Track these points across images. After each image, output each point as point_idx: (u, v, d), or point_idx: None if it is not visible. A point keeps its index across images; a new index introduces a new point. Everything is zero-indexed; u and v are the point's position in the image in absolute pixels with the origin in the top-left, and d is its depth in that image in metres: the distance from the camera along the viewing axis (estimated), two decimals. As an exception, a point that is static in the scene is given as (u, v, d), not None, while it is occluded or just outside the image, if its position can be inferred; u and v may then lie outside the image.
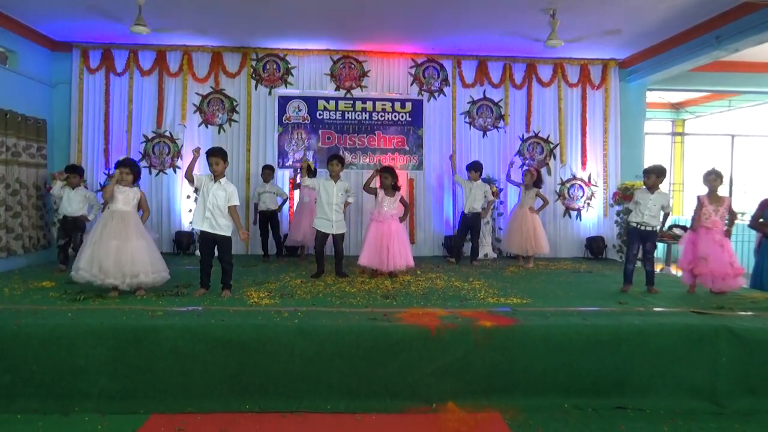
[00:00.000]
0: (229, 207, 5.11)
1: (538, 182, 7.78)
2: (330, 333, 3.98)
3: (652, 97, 10.26)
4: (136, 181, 5.28)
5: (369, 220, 6.53)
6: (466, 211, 7.67)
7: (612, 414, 3.85)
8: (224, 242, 5.16)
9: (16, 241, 7.09)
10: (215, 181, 5.10)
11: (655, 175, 5.62)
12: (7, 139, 6.94)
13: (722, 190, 5.73)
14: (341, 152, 8.52)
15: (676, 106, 12.29)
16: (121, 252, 4.91)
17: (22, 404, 3.74)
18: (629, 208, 5.81)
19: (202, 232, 5.12)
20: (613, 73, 8.93)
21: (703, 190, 5.66)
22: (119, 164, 5.27)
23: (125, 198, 5.13)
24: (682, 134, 12.33)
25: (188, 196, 8.21)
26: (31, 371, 3.81)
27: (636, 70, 8.74)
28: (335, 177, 6.35)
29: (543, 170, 8.87)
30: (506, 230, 8.00)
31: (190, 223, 8.28)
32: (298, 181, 7.73)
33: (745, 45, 6.74)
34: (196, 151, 5.20)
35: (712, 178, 5.53)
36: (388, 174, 6.36)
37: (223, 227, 5.10)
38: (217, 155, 5.10)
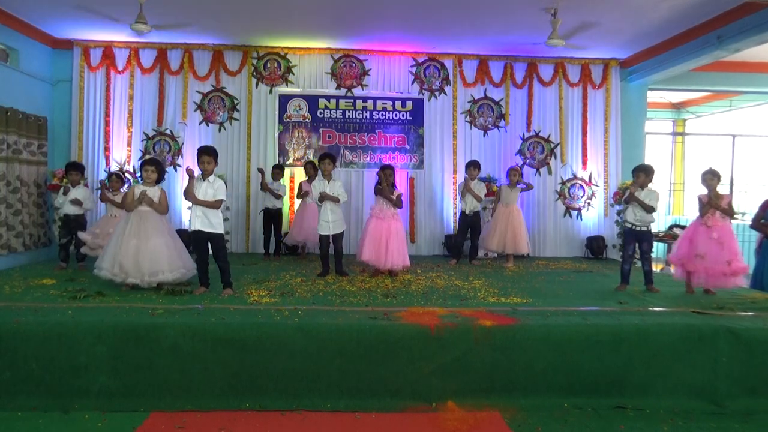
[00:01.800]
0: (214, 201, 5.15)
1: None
2: (330, 332, 3.98)
3: (653, 96, 10.25)
4: (160, 181, 5.35)
5: (369, 215, 6.53)
6: (466, 211, 7.67)
7: (612, 413, 3.85)
8: (218, 240, 5.16)
9: (16, 238, 7.10)
10: (204, 180, 5.11)
11: (644, 174, 5.67)
12: (7, 136, 6.93)
13: (722, 190, 5.71)
14: (342, 151, 8.52)
15: (677, 106, 12.28)
16: (140, 252, 5.02)
17: (22, 402, 3.74)
18: (623, 199, 5.83)
19: (195, 232, 5.12)
20: (614, 73, 8.92)
21: (703, 190, 5.66)
22: (145, 163, 5.33)
23: (147, 198, 5.16)
24: (683, 134, 12.33)
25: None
26: (31, 369, 3.81)
27: (637, 69, 8.73)
28: (328, 176, 6.34)
29: (543, 169, 8.91)
30: (490, 228, 7.79)
31: (189, 221, 8.29)
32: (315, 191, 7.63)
33: (746, 45, 6.74)
34: (190, 171, 5.11)
35: (709, 177, 5.54)
36: (391, 171, 6.36)
37: (216, 225, 5.11)
38: (210, 154, 5.11)
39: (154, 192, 5.23)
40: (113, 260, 5.03)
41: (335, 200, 6.26)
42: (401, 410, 3.82)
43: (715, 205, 5.42)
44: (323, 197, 6.21)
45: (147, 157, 5.45)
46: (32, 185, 7.49)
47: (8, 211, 6.96)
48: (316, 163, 8.10)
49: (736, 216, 5.83)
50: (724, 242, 5.38)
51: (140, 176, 5.30)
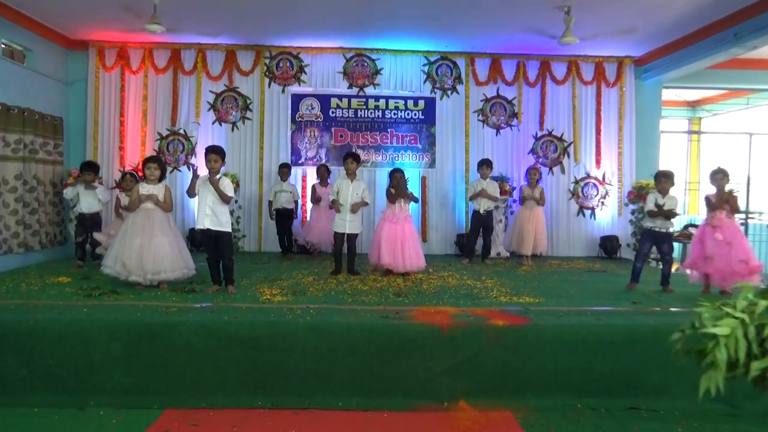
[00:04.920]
0: None
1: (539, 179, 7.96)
2: (342, 330, 3.99)
3: (668, 94, 10.14)
4: (162, 178, 5.41)
5: (381, 219, 6.52)
6: (481, 210, 7.63)
7: (625, 415, 3.81)
8: (225, 238, 5.20)
9: (33, 237, 7.19)
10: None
11: (665, 178, 5.66)
12: (24, 136, 7.02)
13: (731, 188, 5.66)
14: (354, 150, 8.52)
15: (693, 104, 12.14)
16: (143, 250, 5.09)
17: (38, 398, 3.79)
18: (645, 210, 5.76)
19: (204, 231, 5.16)
20: (628, 71, 8.84)
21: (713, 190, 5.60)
22: (147, 161, 5.38)
23: (153, 197, 5.22)
24: (698, 132, 12.18)
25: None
26: (47, 365, 3.86)
27: (652, 67, 8.64)
28: (351, 175, 6.34)
29: (556, 168, 8.86)
30: (515, 230, 7.76)
31: (197, 219, 8.34)
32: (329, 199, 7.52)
33: (764, 42, 6.64)
34: (195, 171, 5.21)
35: (719, 176, 5.49)
36: (401, 174, 6.36)
37: (224, 223, 5.16)
38: (217, 153, 5.15)
39: (159, 189, 5.28)
40: (116, 258, 5.12)
41: (366, 205, 6.39)
42: (413, 409, 3.82)
43: (730, 202, 5.40)
44: (356, 208, 6.24)
45: (148, 155, 5.51)
46: (48, 184, 7.59)
47: (25, 210, 7.05)
48: (329, 166, 8.14)
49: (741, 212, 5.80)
50: (732, 242, 5.32)
51: (144, 175, 5.36)
